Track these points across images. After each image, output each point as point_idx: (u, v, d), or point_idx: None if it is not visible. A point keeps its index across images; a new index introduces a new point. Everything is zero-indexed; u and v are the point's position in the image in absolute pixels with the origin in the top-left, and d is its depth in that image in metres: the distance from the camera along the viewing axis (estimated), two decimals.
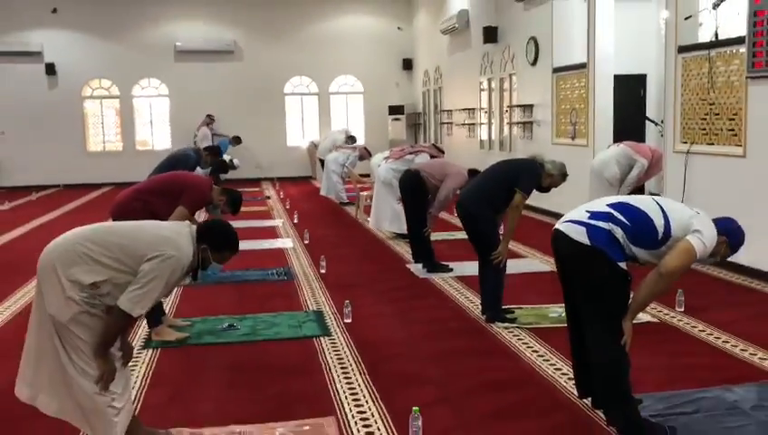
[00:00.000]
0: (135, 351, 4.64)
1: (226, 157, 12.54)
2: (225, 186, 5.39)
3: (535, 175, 5.12)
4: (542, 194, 5.53)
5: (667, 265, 3.17)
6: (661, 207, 3.24)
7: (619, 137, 9.08)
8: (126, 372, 3.24)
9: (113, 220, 4.48)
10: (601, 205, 3.32)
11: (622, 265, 3.23)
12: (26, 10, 17.09)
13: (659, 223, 3.21)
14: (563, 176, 5.20)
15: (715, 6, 6.82)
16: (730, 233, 3.35)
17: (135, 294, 2.97)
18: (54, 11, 17.19)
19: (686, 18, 7.22)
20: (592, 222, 3.25)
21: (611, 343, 3.27)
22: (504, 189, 5.12)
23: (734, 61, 6.70)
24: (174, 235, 3.16)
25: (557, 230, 3.38)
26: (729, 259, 6.61)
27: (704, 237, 3.15)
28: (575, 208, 3.41)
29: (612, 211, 3.25)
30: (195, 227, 3.29)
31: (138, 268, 3.00)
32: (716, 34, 6.92)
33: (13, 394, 3.12)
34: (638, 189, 8.88)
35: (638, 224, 3.22)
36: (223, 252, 3.31)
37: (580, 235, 3.25)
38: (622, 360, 3.29)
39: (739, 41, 6.54)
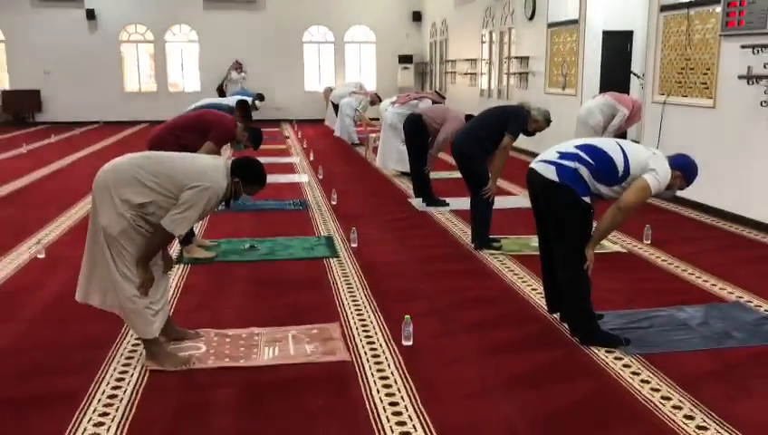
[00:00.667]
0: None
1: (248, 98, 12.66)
2: (249, 124, 5.50)
3: (522, 120, 5.20)
4: (531, 138, 5.64)
5: (625, 200, 3.31)
6: (622, 149, 3.36)
7: (606, 88, 9.04)
8: (165, 279, 3.45)
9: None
10: (570, 146, 3.44)
11: (587, 199, 3.37)
12: None
13: (620, 162, 3.33)
14: (547, 121, 5.28)
15: None
16: (684, 167, 3.46)
17: (176, 216, 3.15)
18: None
19: None
20: (561, 161, 3.38)
21: (576, 267, 3.44)
22: (495, 132, 5.20)
23: (710, 20, 6.69)
24: (212, 168, 3.32)
25: (531, 168, 3.52)
26: (697, 200, 6.80)
27: (658, 175, 3.28)
28: (548, 149, 3.55)
29: (579, 152, 3.37)
30: (230, 161, 3.45)
31: (179, 194, 3.17)
32: None
33: (70, 297, 3.36)
34: (621, 136, 8.96)
35: (602, 163, 3.34)
36: (253, 185, 3.47)
37: (550, 172, 3.39)
38: (585, 281, 3.47)
39: (715, 1, 6.53)
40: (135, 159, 3.29)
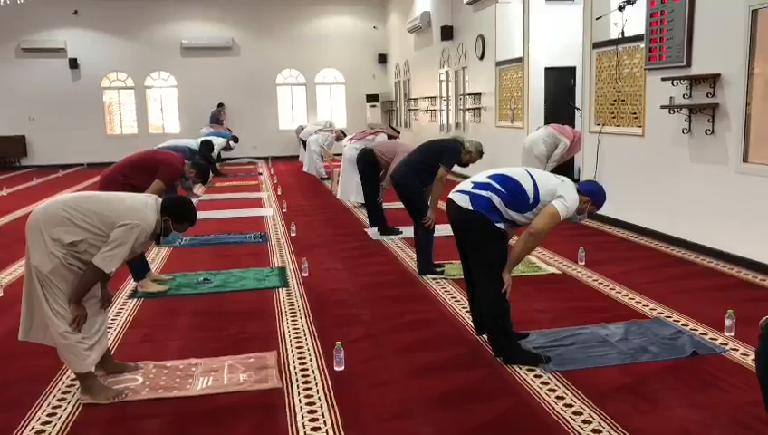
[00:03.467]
0: (123, 301, 4.82)
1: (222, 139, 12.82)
2: (222, 163, 5.43)
3: (456, 152, 5.20)
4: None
5: (535, 225, 3.29)
6: (532, 177, 3.36)
7: (552, 121, 9.14)
8: (102, 315, 3.35)
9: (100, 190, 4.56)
10: (483, 177, 3.43)
11: (500, 225, 3.35)
12: (51, 12, 16.89)
13: (530, 190, 3.31)
14: (480, 153, 5.28)
15: (621, 9, 6.90)
16: (592, 193, 3.46)
17: (107, 254, 3.08)
18: (75, 12, 17.03)
19: (597, 18, 7.29)
20: (475, 191, 3.36)
21: (494, 291, 3.40)
22: (430, 164, 5.20)
23: (636, 55, 6.80)
24: (141, 206, 3.26)
25: (449, 199, 3.50)
26: (631, 222, 6.84)
27: (566, 201, 3.27)
28: (465, 180, 3.53)
29: (491, 181, 3.36)
30: (160, 200, 3.40)
31: (109, 232, 3.11)
32: (623, 32, 6.99)
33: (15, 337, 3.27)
34: (566, 165, 9.01)
35: (512, 191, 3.32)
36: (183, 223, 3.42)
37: (465, 202, 3.37)
38: (503, 303, 3.42)
39: (640, 38, 6.64)
40: (66, 199, 3.23)
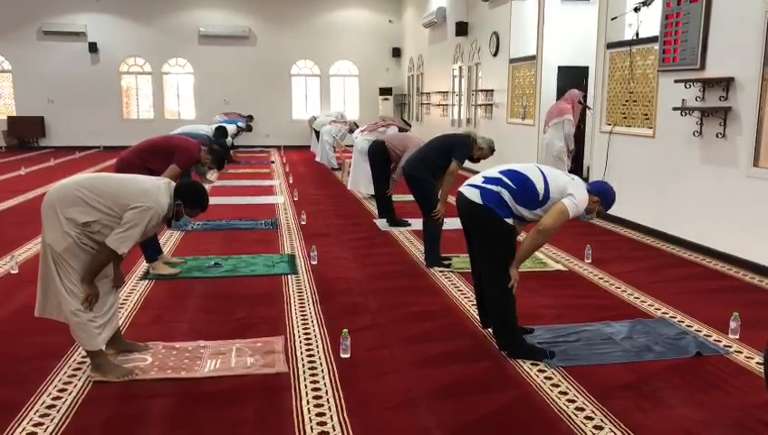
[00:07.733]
0: (134, 282, 4.83)
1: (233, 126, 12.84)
2: (236, 151, 5.42)
3: (468, 148, 5.16)
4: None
5: (544, 223, 3.25)
6: (543, 174, 3.32)
7: None
8: (114, 294, 3.35)
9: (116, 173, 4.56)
10: (494, 171, 3.39)
11: (509, 221, 3.31)
12: None
13: (540, 186, 3.28)
14: (491, 150, 5.23)
15: (637, 10, 6.82)
16: (601, 193, 3.41)
17: (119, 235, 3.08)
18: None
19: (613, 19, 7.21)
20: (485, 185, 3.32)
21: (501, 285, 3.37)
22: (441, 158, 5.17)
23: (649, 56, 6.73)
24: (154, 189, 3.25)
25: (459, 192, 3.47)
26: (638, 222, 6.79)
27: (576, 200, 3.23)
28: (477, 174, 3.50)
29: (501, 176, 3.32)
30: (173, 184, 3.39)
31: (122, 214, 3.11)
32: (637, 33, 6.92)
33: (32, 311, 3.27)
34: (574, 164, 8.89)
35: (522, 187, 3.29)
36: (195, 208, 3.42)
37: (475, 196, 3.34)
38: (509, 298, 3.40)
39: (654, 39, 6.56)
40: (80, 179, 3.23)
